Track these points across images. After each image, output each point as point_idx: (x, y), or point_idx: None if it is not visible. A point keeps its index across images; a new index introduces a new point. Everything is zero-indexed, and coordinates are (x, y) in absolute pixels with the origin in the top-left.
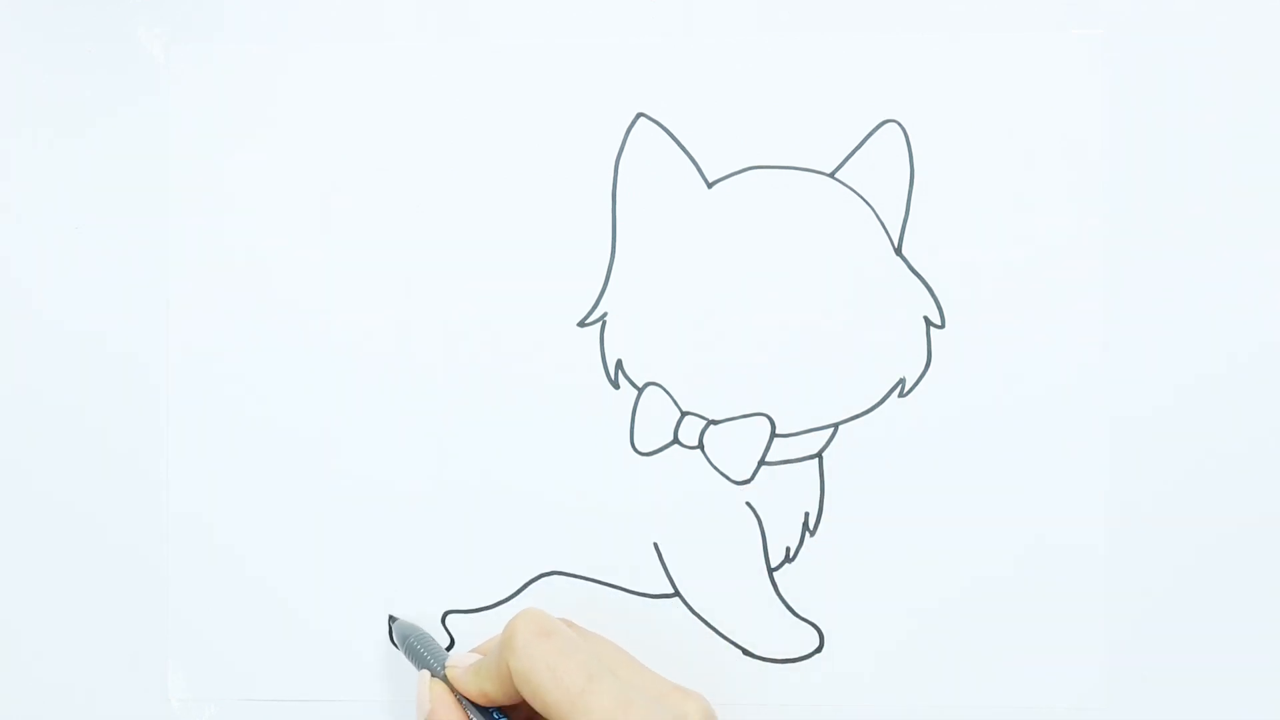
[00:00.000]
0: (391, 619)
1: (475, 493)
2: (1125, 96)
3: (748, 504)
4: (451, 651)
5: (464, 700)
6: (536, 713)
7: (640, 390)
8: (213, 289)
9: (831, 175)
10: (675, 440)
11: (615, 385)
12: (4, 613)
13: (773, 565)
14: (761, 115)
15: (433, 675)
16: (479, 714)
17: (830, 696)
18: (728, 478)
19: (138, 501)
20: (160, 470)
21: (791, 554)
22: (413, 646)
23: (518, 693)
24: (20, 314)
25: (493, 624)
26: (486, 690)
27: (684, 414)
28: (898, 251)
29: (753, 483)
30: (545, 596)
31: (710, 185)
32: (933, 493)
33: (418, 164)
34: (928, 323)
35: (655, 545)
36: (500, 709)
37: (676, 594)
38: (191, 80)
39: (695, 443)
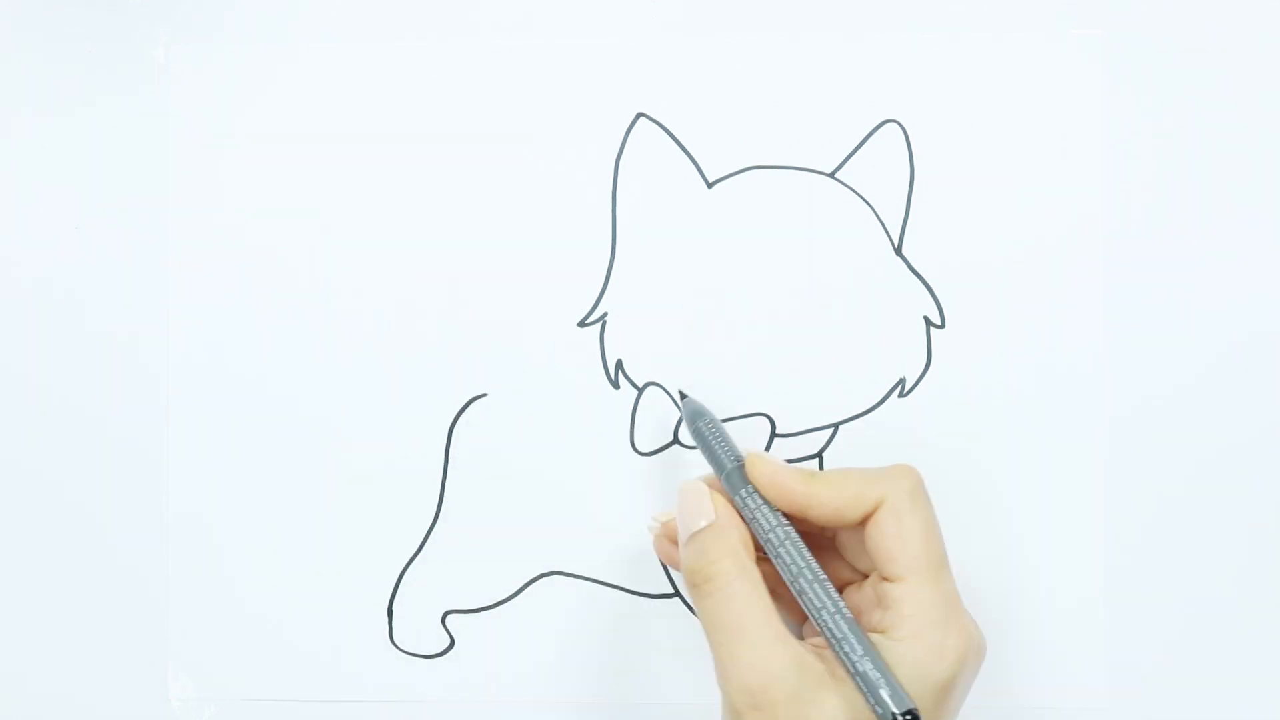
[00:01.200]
0: (681, 394)
1: (475, 492)
2: (1125, 96)
3: None
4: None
5: (750, 503)
6: (809, 532)
7: (640, 390)
8: (213, 288)
9: (831, 175)
10: (675, 440)
11: (615, 385)
12: (4, 613)
13: None
14: (761, 115)
15: (721, 474)
16: (764, 518)
17: None
18: None
19: (138, 501)
20: (160, 470)
21: None
22: (703, 435)
23: (841, 516)
24: (20, 314)
25: (492, 624)
26: (817, 494)
27: None
28: (898, 251)
29: None
30: (545, 596)
31: (710, 185)
32: (932, 493)
33: (418, 164)
34: (928, 323)
35: None
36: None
37: (676, 594)
38: (191, 80)
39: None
